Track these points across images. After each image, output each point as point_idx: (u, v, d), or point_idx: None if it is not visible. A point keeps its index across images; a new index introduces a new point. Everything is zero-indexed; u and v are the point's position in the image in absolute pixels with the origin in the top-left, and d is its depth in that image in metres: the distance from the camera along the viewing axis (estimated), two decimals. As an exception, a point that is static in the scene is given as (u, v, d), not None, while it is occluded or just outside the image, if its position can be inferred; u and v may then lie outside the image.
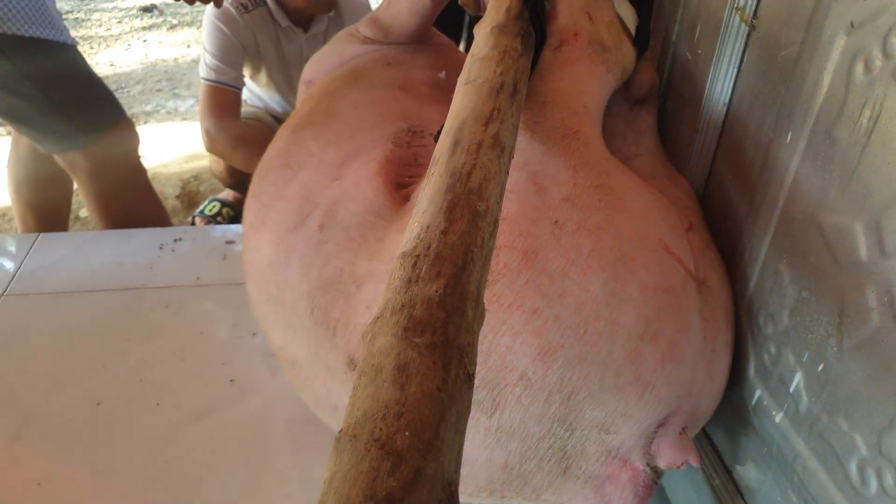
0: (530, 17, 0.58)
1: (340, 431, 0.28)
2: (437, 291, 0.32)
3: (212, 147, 1.58)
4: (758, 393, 0.54)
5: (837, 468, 0.45)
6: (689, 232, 0.57)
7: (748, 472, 0.56)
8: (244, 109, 1.75)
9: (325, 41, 1.41)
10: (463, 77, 0.50)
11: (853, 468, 0.43)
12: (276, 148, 0.75)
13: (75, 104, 1.18)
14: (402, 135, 0.66)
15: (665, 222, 0.54)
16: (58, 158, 1.27)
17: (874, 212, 0.40)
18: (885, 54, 0.39)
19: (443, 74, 0.82)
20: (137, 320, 0.98)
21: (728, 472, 0.59)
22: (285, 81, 1.72)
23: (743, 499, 0.56)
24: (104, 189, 1.28)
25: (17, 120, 1.18)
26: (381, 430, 0.26)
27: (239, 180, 1.77)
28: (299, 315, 0.62)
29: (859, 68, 0.41)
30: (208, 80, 1.54)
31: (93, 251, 1.14)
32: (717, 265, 0.57)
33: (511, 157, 0.45)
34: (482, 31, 0.56)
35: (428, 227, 0.36)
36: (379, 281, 0.55)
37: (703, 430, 0.63)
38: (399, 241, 0.56)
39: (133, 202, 1.33)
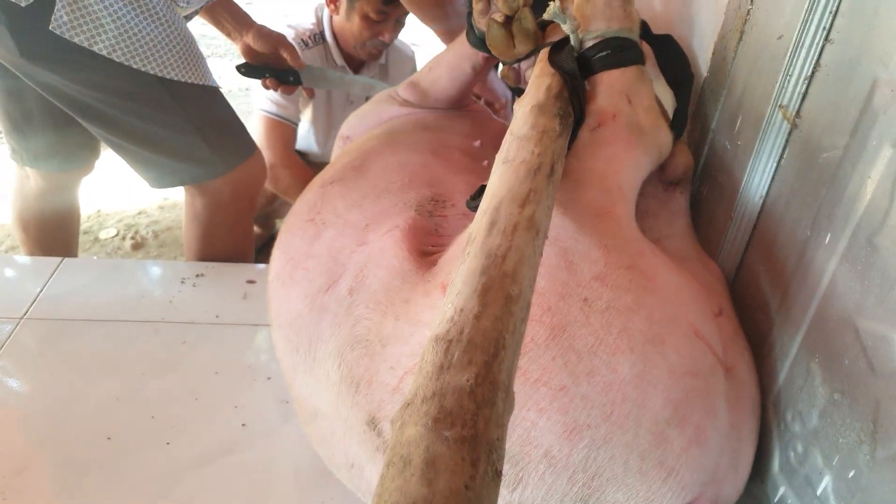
0: (570, 97, 0.59)
1: None
2: (468, 381, 0.33)
3: (274, 182, 1.59)
4: (781, 490, 0.53)
5: (865, 580, 0.44)
6: (718, 317, 0.57)
7: (768, 570, 0.55)
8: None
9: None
10: (501, 155, 0.51)
11: (882, 583, 0.42)
12: (304, 200, 0.76)
13: (219, 133, 1.20)
14: (425, 203, 0.68)
15: (695, 306, 0.54)
16: (186, 190, 1.27)
17: (914, 324, 0.40)
18: (932, 172, 0.39)
19: (477, 143, 0.83)
20: (154, 355, 0.98)
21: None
22: (325, 121, 1.74)
23: None
24: (217, 222, 1.27)
25: (159, 151, 1.18)
26: None
27: (265, 216, 1.78)
28: (326, 369, 0.63)
29: (905, 183, 0.41)
30: (270, 112, 1.57)
31: (115, 280, 1.15)
32: (746, 353, 0.57)
33: (545, 238, 0.45)
34: (522, 109, 0.57)
35: (462, 309, 0.37)
36: (403, 342, 0.56)
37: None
38: (425, 304, 0.57)
39: (239, 238, 1.32)
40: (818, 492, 0.49)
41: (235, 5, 1.32)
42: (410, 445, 0.31)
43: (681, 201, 0.68)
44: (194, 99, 1.14)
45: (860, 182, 0.45)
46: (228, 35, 1.32)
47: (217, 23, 1.32)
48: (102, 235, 2.06)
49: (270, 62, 1.32)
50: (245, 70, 1.33)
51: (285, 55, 1.29)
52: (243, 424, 0.87)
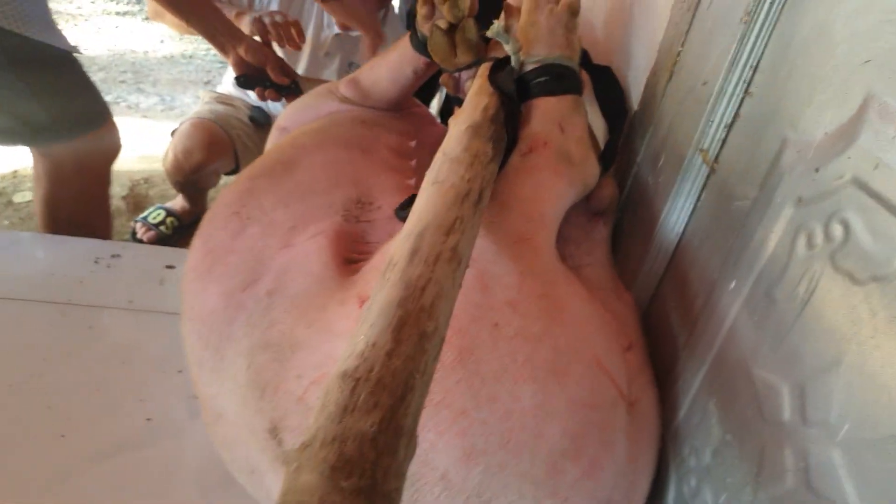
0: (505, 120, 0.59)
1: None
2: (371, 426, 0.32)
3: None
4: (672, 522, 0.55)
5: None
6: (627, 351, 0.59)
7: None
8: (216, 107, 1.71)
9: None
10: (431, 175, 0.51)
11: None
12: (231, 191, 0.74)
13: (60, 98, 1.16)
14: (351, 206, 0.67)
15: (603, 339, 0.55)
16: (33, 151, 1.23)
17: (801, 378, 0.42)
18: (826, 236, 0.41)
19: (413, 143, 0.83)
20: (56, 339, 0.94)
21: (634, 592, 0.59)
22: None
23: None
24: (62, 192, 1.24)
25: None
26: None
27: (189, 180, 1.72)
28: (234, 370, 0.61)
29: (802, 241, 0.43)
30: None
31: (22, 255, 1.09)
32: (651, 388, 0.58)
33: (466, 268, 0.45)
34: (457, 128, 0.57)
35: (374, 344, 0.36)
36: (312, 350, 0.55)
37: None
38: (340, 312, 0.56)
39: (85, 212, 1.29)
40: (704, 527, 0.51)
41: (227, 19, 1.32)
42: (304, 493, 0.30)
43: (603, 231, 0.70)
44: (31, 60, 1.10)
45: (764, 235, 0.47)
46: (220, 48, 1.30)
47: (209, 35, 1.30)
48: (17, 199, 1.95)
49: (266, 76, 1.31)
50: (244, 81, 1.32)
51: (270, 73, 1.28)
52: (148, 419, 0.84)
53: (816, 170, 0.42)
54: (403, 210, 0.64)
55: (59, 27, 1.17)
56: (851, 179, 0.39)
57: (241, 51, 1.28)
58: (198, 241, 0.72)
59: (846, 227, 0.40)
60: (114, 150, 1.32)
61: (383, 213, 0.67)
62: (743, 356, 0.48)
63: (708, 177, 0.55)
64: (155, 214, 1.76)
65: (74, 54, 1.17)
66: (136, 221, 1.77)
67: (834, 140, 0.41)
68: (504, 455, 0.48)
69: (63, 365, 0.90)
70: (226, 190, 0.76)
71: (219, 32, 1.29)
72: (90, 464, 0.77)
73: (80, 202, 1.28)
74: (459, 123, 0.58)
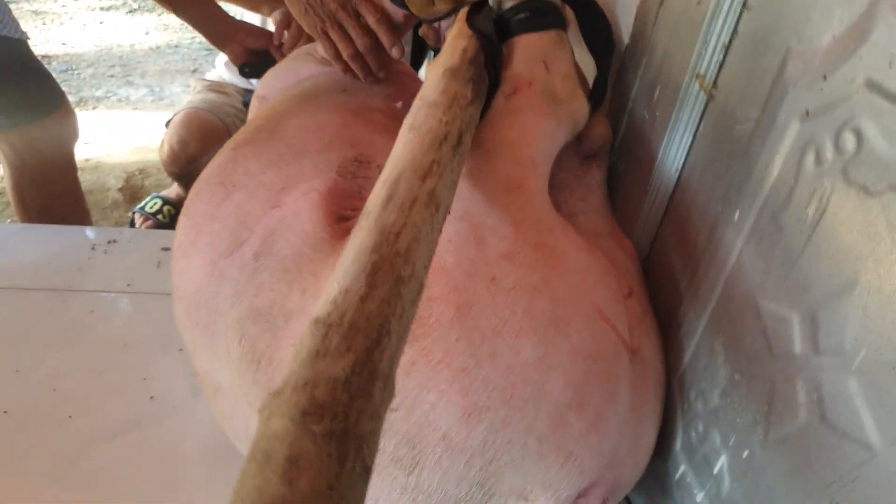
0: (485, 62, 0.56)
1: None
2: (343, 370, 0.30)
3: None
4: (682, 468, 0.53)
5: (755, 560, 0.44)
6: (628, 298, 0.56)
7: (669, 547, 0.55)
8: (208, 96, 1.69)
9: None
10: (408, 121, 0.48)
11: (770, 564, 0.42)
12: (215, 164, 0.71)
13: (7, 88, 1.14)
14: (347, 164, 0.63)
15: (602, 287, 0.53)
16: None
17: (812, 305, 0.39)
18: (837, 148, 0.38)
19: (399, 105, 0.80)
20: (59, 325, 0.93)
21: (649, 544, 0.58)
22: None
23: (661, 574, 0.55)
24: (24, 179, 1.23)
25: None
26: None
27: (187, 171, 1.71)
28: (227, 343, 0.59)
29: (810, 158, 0.40)
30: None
31: (19, 245, 1.08)
32: (653, 335, 0.56)
33: (447, 213, 0.43)
34: (434, 73, 0.54)
35: (347, 290, 0.34)
36: (307, 318, 0.53)
37: (626, 498, 0.62)
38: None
39: (52, 198, 1.29)
40: (714, 471, 0.48)
41: (224, 12, 1.29)
42: (275, 440, 0.28)
43: (597, 175, 0.66)
44: None
45: (769, 157, 0.44)
46: (214, 41, 1.28)
47: (201, 28, 1.27)
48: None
49: (270, 58, 1.27)
50: (249, 70, 1.29)
51: (273, 53, 1.24)
52: (151, 397, 0.83)
53: (824, 77, 0.39)
54: None
55: (33, 23, 1.17)
56: (864, 82, 0.35)
57: (242, 37, 1.25)
58: (183, 217, 0.70)
59: (858, 135, 0.36)
60: (71, 135, 1.31)
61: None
62: (749, 290, 0.45)
63: (706, 104, 0.52)
64: (152, 204, 1.75)
65: (23, 40, 1.16)
66: (133, 212, 1.76)
67: (843, 42, 0.37)
68: (507, 411, 0.46)
69: (66, 349, 0.89)
70: (210, 164, 0.74)
71: (213, 26, 1.26)
72: (97, 443, 0.77)
73: (45, 191, 1.28)
74: (437, 68, 0.55)
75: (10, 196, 1.29)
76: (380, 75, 0.82)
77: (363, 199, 0.62)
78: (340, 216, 0.60)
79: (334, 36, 0.77)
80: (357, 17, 0.77)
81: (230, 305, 0.59)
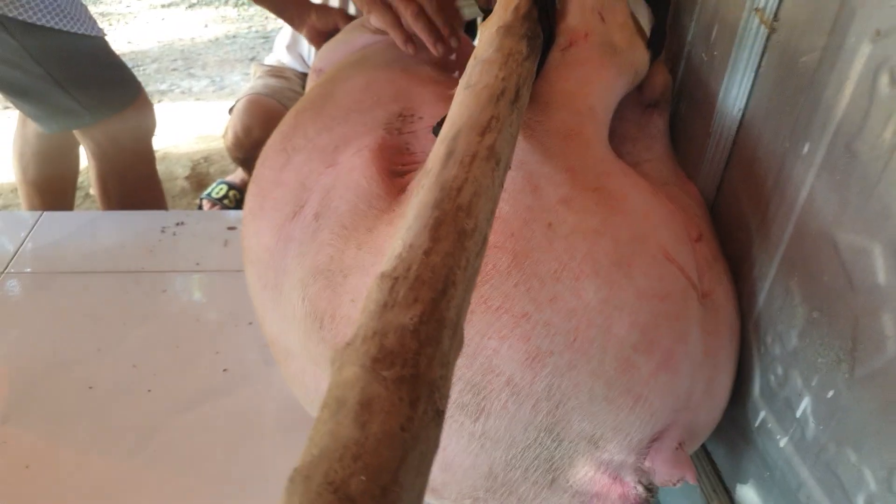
0: (539, 17, 0.55)
1: (295, 470, 0.26)
2: (412, 319, 0.30)
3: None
4: (762, 414, 0.51)
5: (843, 501, 0.42)
6: (697, 242, 0.55)
7: (748, 495, 0.54)
8: (269, 81, 1.72)
9: None
10: (464, 81, 0.48)
11: (860, 503, 0.41)
12: (278, 132, 0.73)
13: (82, 83, 1.18)
14: (393, 120, 0.64)
15: (668, 229, 0.51)
16: (76, 134, 1.28)
17: (894, 233, 0.38)
18: (914, 66, 0.36)
19: (453, 57, 0.79)
20: (134, 304, 0.97)
21: (728, 493, 0.57)
22: None
23: (741, 523, 0.54)
24: (107, 169, 1.29)
25: (21, 96, 1.18)
26: (336, 472, 0.24)
27: (251, 156, 1.75)
28: (293, 304, 0.61)
29: (884, 80, 0.38)
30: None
31: (95, 232, 1.13)
32: (725, 279, 0.54)
33: (507, 168, 0.42)
34: (487, 31, 0.53)
35: (411, 245, 0.34)
36: (364, 273, 0.54)
37: (704, 447, 0.61)
38: (388, 233, 0.55)
39: (133, 187, 1.34)
40: (797, 414, 0.47)
41: None
42: (346, 387, 0.29)
43: (659, 124, 0.65)
44: (46, 45, 1.12)
45: (838, 84, 0.42)
46: (291, 22, 1.29)
47: (279, 11, 1.27)
48: (93, 192, 2.04)
49: None
50: None
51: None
52: (224, 370, 0.86)
53: (894, -8, 0.37)
54: (440, 125, 0.61)
55: (94, 16, 1.20)
56: (937, -9, 0.33)
57: (313, 19, 1.26)
58: (251, 184, 0.72)
59: (934, 50, 0.34)
60: (149, 125, 1.36)
61: (425, 124, 0.65)
62: (825, 224, 0.43)
63: (767, 39, 0.50)
64: (218, 189, 1.80)
65: (101, 37, 1.20)
66: (201, 199, 1.81)
67: (912, -48, 0.35)
68: (571, 354, 0.45)
69: (142, 327, 0.93)
70: (273, 133, 0.76)
71: (287, 6, 1.27)
72: (175, 415, 0.80)
73: (126, 180, 1.33)
74: (490, 26, 0.54)
75: (94, 187, 1.35)
76: (452, 42, 0.74)
77: (412, 153, 0.63)
78: (393, 171, 0.61)
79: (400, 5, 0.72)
80: None
81: (295, 265, 0.60)
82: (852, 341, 0.41)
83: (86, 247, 1.10)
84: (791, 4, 0.47)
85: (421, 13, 0.74)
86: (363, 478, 0.24)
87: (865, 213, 0.40)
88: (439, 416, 0.30)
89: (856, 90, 0.40)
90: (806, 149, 0.45)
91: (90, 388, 0.85)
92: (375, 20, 0.81)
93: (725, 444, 0.57)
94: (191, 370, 0.86)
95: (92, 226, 1.16)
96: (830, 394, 0.43)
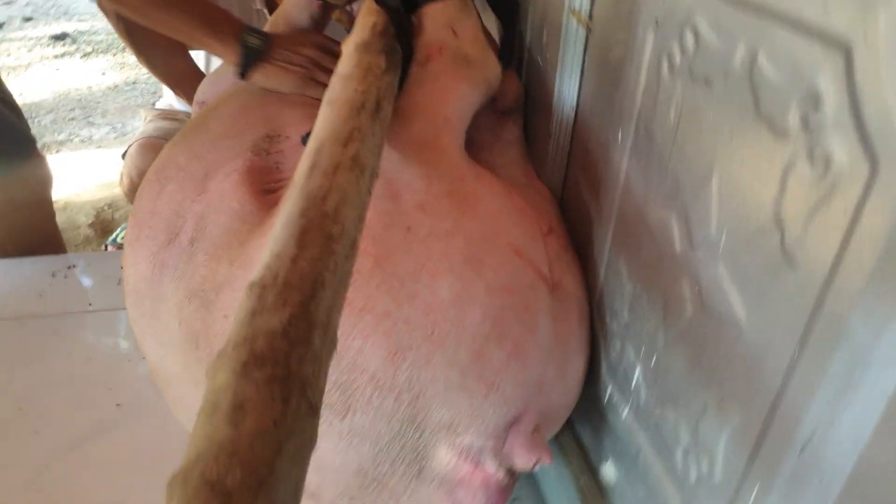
0: (397, 34, 0.58)
1: (173, 474, 0.27)
2: (281, 322, 0.32)
3: None
4: (609, 389, 0.54)
5: (668, 459, 0.45)
6: (547, 236, 0.58)
7: (609, 470, 0.57)
8: (160, 124, 1.70)
9: None
10: (326, 97, 0.50)
11: (679, 457, 0.44)
12: (153, 165, 0.74)
13: None
14: (260, 142, 0.66)
15: (517, 226, 0.55)
16: None
17: (684, 203, 0.41)
18: (682, 50, 0.40)
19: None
20: (22, 349, 0.94)
21: (593, 472, 0.59)
22: None
23: (603, 498, 0.57)
24: (3, 226, 1.25)
25: None
26: (212, 470, 0.26)
27: None
28: (171, 330, 0.61)
29: (665, 65, 0.42)
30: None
31: (-19, 280, 1.09)
32: (574, 268, 0.58)
33: (375, 176, 0.45)
34: (346, 49, 0.56)
35: (278, 254, 0.36)
36: (236, 288, 0.55)
37: (574, 429, 0.63)
38: (259, 245, 0.56)
39: (30, 241, 1.30)
40: (632, 384, 0.50)
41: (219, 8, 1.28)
42: (219, 391, 0.30)
43: (514, 131, 0.69)
44: None
45: (637, 73, 0.46)
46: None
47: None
48: None
49: None
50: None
51: None
52: (118, 405, 0.84)
53: (661, -14, 0.41)
54: (307, 137, 0.63)
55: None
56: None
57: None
58: (130, 217, 0.72)
59: (696, 33, 0.38)
60: (44, 179, 1.33)
61: (292, 143, 0.67)
62: (638, 203, 0.47)
63: (587, 39, 0.54)
64: (123, 234, 1.77)
65: None
66: (106, 244, 1.77)
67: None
68: (429, 347, 0.48)
69: (30, 369, 0.90)
70: (151, 166, 0.76)
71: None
72: (65, 453, 0.78)
73: (23, 237, 1.29)
74: (349, 45, 0.57)
75: None
76: None
77: (281, 171, 0.64)
78: (264, 189, 0.62)
79: (324, 78, 0.74)
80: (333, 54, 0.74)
81: (172, 291, 0.61)
82: (663, 309, 0.45)
83: (-31, 296, 1.06)
84: (600, 4, 0.51)
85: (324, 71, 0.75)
86: (239, 473, 0.26)
87: (664, 189, 0.44)
88: (313, 410, 0.32)
89: (647, 77, 0.44)
90: (620, 136, 0.49)
91: (-28, 438, 0.81)
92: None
93: (588, 423, 0.60)
94: (81, 408, 0.84)
95: (-22, 275, 1.12)
96: (654, 360, 0.47)
